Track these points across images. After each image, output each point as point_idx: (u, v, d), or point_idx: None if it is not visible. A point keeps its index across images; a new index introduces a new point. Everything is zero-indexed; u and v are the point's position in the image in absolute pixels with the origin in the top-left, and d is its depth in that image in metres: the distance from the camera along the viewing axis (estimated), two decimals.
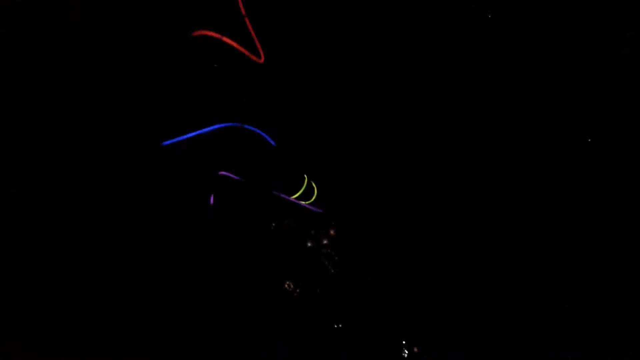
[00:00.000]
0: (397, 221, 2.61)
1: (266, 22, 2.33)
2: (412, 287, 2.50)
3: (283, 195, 2.33)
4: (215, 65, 2.18)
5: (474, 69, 2.68)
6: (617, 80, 2.54)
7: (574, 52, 2.60)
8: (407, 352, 2.38)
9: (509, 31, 2.67)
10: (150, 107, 2.05)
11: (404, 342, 2.39)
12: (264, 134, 2.24)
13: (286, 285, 2.32)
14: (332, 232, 2.49)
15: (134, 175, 2.01)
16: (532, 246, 2.55)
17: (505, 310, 2.48)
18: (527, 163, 2.64)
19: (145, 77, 2.06)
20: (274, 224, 2.35)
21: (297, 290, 2.32)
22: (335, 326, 2.33)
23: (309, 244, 2.46)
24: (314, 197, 2.38)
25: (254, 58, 2.26)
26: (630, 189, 2.48)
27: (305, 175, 2.36)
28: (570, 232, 2.52)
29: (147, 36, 2.09)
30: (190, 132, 2.01)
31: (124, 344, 1.94)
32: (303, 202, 2.39)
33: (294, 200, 2.36)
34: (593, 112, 2.58)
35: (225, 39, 2.17)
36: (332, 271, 2.42)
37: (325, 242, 2.48)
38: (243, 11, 2.25)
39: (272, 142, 2.26)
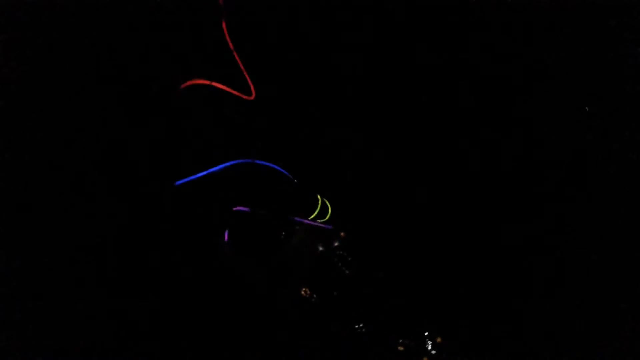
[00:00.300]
0: (403, 218, 2.62)
1: (257, 55, 2.33)
2: (420, 282, 2.51)
3: (299, 219, 2.33)
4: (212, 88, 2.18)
5: (472, 69, 2.68)
6: (616, 80, 2.55)
7: (573, 51, 2.61)
8: (430, 343, 2.38)
9: (507, 30, 2.67)
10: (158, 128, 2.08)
11: (426, 334, 2.40)
12: (276, 167, 2.24)
13: (303, 292, 2.32)
14: (342, 233, 2.49)
15: (146, 213, 2.03)
16: (533, 247, 2.56)
17: (506, 311, 2.48)
18: (525, 163, 2.65)
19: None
20: (283, 234, 2.35)
21: (314, 296, 2.32)
22: (357, 326, 2.33)
23: (321, 248, 2.46)
24: (328, 215, 2.38)
25: (245, 97, 2.27)
26: (630, 189, 2.48)
27: (319, 195, 2.36)
28: (571, 232, 2.53)
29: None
30: (202, 170, 2.02)
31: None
32: (318, 221, 2.39)
33: (309, 221, 2.36)
34: (592, 111, 2.59)
35: (215, 84, 2.17)
36: (347, 272, 2.42)
37: (336, 244, 2.48)
38: (231, 45, 2.25)
39: (286, 172, 2.27)
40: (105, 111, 2.12)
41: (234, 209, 2.16)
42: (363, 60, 2.65)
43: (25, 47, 2.04)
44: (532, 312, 2.46)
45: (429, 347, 2.37)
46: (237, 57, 2.25)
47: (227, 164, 2.05)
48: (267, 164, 2.20)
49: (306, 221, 2.34)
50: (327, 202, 2.38)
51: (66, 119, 2.07)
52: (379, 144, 2.65)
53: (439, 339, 2.39)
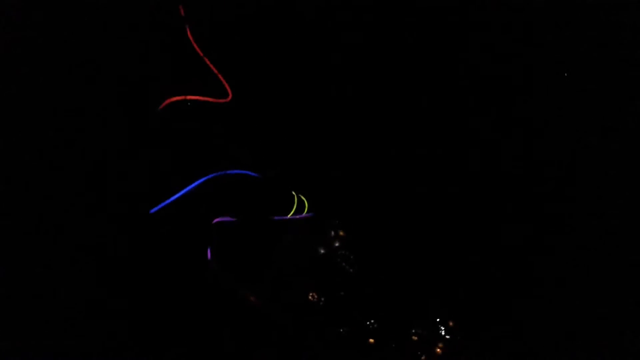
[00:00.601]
0: (403, 215, 2.62)
1: (228, 56, 2.35)
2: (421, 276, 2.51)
3: (278, 217, 2.34)
4: (189, 104, 2.21)
5: (472, 69, 2.69)
6: (617, 80, 2.55)
7: (573, 51, 2.61)
8: (443, 328, 2.38)
9: (507, 30, 2.68)
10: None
11: (437, 320, 2.40)
12: (246, 172, 2.26)
13: (310, 297, 2.33)
14: (341, 232, 2.49)
15: (128, 244, 2.04)
16: (533, 247, 2.56)
17: (505, 311, 2.49)
18: (525, 163, 2.65)
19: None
20: (281, 240, 2.36)
21: (322, 299, 2.32)
22: (368, 322, 2.33)
23: (322, 251, 2.46)
24: (306, 209, 2.40)
25: (221, 100, 2.29)
26: (630, 189, 2.49)
27: (294, 192, 2.37)
28: (571, 232, 2.53)
29: None
30: (176, 192, 2.03)
31: None
32: (296, 215, 2.40)
33: (289, 217, 2.37)
34: (592, 112, 2.60)
35: (189, 97, 2.20)
36: (351, 270, 2.42)
37: (337, 244, 2.47)
38: (200, 52, 2.27)
39: (255, 175, 2.28)
40: (105, 111, 2.13)
41: (215, 221, 2.17)
42: (357, 60, 2.65)
43: (25, 47, 2.05)
44: (532, 312, 2.46)
45: (443, 333, 2.37)
46: (208, 62, 2.28)
47: (199, 181, 2.07)
48: (240, 171, 2.22)
49: (287, 217, 2.35)
50: (303, 198, 2.39)
51: (66, 119, 2.08)
52: (378, 144, 2.66)
53: (451, 323, 2.39)
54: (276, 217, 2.32)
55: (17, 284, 1.85)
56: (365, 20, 2.65)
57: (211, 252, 2.11)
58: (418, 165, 2.65)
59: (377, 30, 2.67)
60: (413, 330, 2.37)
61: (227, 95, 2.30)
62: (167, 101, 2.16)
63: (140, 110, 2.16)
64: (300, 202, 2.35)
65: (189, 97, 2.20)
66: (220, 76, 2.29)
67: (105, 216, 2.02)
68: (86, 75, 2.16)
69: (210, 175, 2.10)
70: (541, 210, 2.60)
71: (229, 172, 2.16)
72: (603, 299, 2.40)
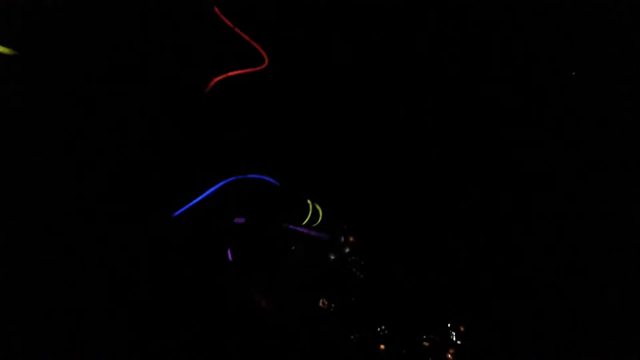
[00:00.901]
0: (404, 218, 2.61)
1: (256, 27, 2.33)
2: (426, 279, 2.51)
3: (292, 227, 2.32)
4: (213, 106, 2.18)
5: (473, 69, 2.69)
6: (617, 80, 2.56)
7: (575, 52, 2.61)
8: (454, 333, 2.38)
9: (507, 30, 2.68)
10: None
11: (449, 325, 2.39)
12: (267, 178, 2.24)
13: (321, 304, 2.32)
14: (351, 238, 2.48)
15: (148, 248, 2.03)
16: (533, 247, 2.56)
17: (507, 310, 2.49)
18: (525, 163, 2.65)
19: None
20: (293, 247, 2.34)
21: (333, 305, 2.31)
22: (379, 329, 2.32)
23: (332, 257, 2.45)
24: (320, 219, 2.37)
25: (259, 68, 2.26)
26: (630, 189, 2.49)
27: (309, 201, 2.34)
28: (571, 232, 2.53)
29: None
30: (198, 193, 1.99)
31: None
32: (311, 230, 2.37)
33: (302, 228, 2.34)
34: (592, 112, 2.60)
35: (230, 74, 2.17)
36: (362, 276, 2.41)
37: (347, 250, 2.46)
38: (230, 23, 2.24)
39: (276, 183, 2.25)
40: (105, 111, 2.13)
41: (235, 220, 2.14)
42: (357, 58, 2.65)
43: (25, 47, 2.05)
44: (532, 312, 2.46)
45: (454, 338, 2.37)
46: (240, 32, 2.24)
47: (220, 184, 2.03)
48: (260, 176, 2.18)
49: (300, 229, 2.33)
50: (318, 207, 2.38)
51: (66, 119, 2.08)
52: (378, 145, 2.66)
53: (462, 328, 2.38)
54: (290, 226, 2.29)
55: (17, 284, 1.85)
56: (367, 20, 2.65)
57: (231, 254, 2.08)
58: (425, 169, 2.65)
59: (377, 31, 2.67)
60: (424, 336, 2.36)
61: (264, 61, 2.26)
62: (213, 82, 2.11)
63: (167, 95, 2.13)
64: (315, 211, 2.33)
65: (230, 74, 2.15)
66: (254, 43, 2.25)
67: (105, 216, 2.02)
68: (86, 75, 2.15)
69: (230, 179, 2.07)
70: (541, 210, 2.60)
71: (249, 176, 2.13)
72: (603, 299, 2.40)
